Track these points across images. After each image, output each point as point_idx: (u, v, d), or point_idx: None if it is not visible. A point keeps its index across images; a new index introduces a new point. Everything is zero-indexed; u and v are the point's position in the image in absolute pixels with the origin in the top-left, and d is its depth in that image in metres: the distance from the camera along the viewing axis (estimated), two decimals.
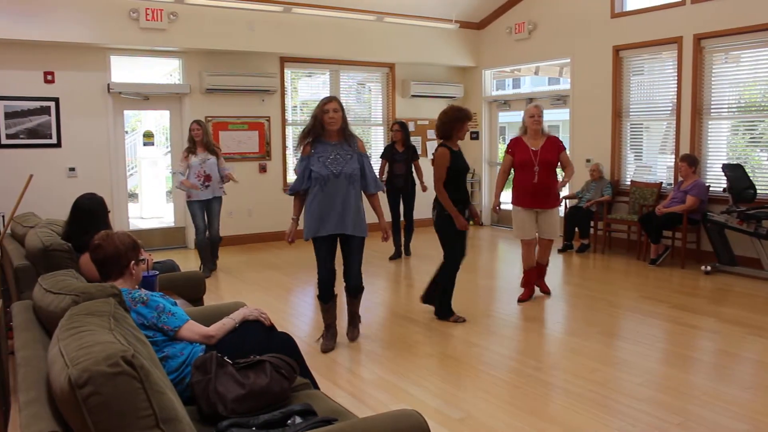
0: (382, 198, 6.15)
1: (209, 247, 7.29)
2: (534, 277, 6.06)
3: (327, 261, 4.60)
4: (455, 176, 5.16)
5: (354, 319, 4.88)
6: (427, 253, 7.74)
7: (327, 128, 4.46)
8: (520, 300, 5.96)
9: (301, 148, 4.59)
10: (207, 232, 7.22)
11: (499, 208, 6.03)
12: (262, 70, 9.22)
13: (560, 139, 6.01)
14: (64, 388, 1.63)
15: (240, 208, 9.13)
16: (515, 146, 5.90)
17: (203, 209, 7.16)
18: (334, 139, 4.52)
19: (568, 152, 6.27)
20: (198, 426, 2.22)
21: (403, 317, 5.50)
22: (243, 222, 9.20)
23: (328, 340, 4.70)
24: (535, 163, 5.74)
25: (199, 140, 7.08)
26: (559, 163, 5.91)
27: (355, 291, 4.77)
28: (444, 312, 5.33)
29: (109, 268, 2.87)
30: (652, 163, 8.56)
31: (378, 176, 5.53)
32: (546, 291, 6.20)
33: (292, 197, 4.68)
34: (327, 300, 4.69)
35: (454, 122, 5.13)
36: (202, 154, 7.07)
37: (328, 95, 4.82)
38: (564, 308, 5.89)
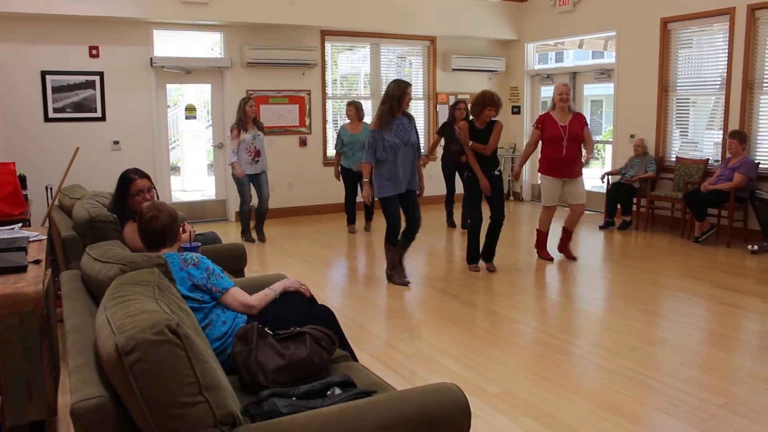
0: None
1: (255, 218, 7.69)
2: (546, 239, 6.62)
3: (397, 212, 5.58)
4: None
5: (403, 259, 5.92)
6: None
7: (403, 108, 5.43)
8: (546, 258, 6.57)
9: (377, 122, 5.47)
10: (251, 203, 7.60)
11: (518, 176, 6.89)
12: (302, 43, 9.22)
13: (584, 115, 6.55)
14: (111, 355, 1.67)
15: (280, 181, 9.18)
16: (545, 122, 6.39)
17: (250, 182, 7.47)
18: (398, 114, 5.44)
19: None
20: (239, 395, 2.26)
21: (444, 292, 5.50)
22: (283, 195, 9.26)
23: (403, 275, 5.77)
24: (564, 138, 6.27)
25: (254, 116, 7.37)
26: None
27: (415, 234, 5.71)
28: (469, 257, 6.19)
29: (165, 236, 2.94)
30: (698, 138, 8.34)
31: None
32: (572, 257, 6.63)
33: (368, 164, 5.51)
34: (396, 243, 5.70)
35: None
36: (252, 131, 7.35)
37: (405, 80, 5.53)
38: (604, 285, 5.82)
